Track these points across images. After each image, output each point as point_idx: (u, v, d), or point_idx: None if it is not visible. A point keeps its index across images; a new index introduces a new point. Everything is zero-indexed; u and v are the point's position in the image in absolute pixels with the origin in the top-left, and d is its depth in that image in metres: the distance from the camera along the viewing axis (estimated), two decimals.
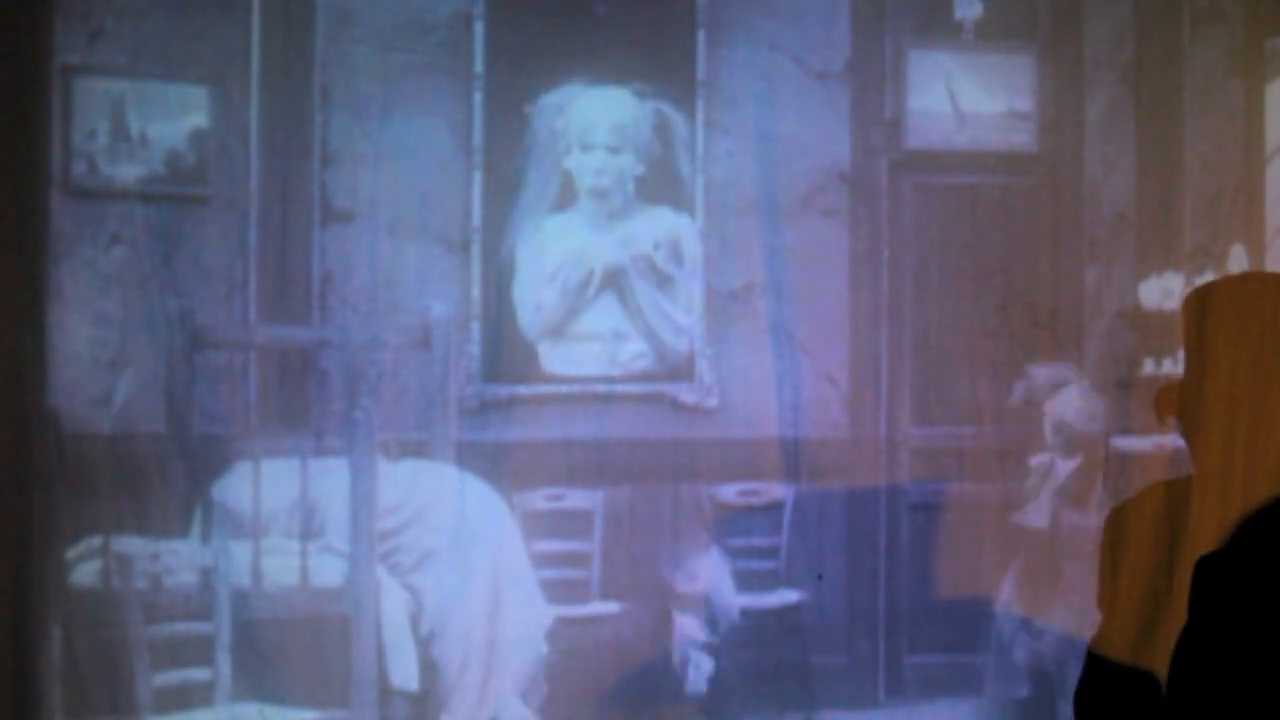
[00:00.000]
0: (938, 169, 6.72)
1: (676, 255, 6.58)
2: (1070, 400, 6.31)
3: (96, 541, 5.57)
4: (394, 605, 5.82)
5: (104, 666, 5.47)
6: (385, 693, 5.75)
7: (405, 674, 5.77)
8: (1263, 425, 2.32)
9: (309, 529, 5.84)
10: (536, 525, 6.25)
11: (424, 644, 5.87)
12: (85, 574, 5.56)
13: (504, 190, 6.46)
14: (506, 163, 6.47)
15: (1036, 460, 6.30)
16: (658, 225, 6.57)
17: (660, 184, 6.56)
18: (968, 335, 6.53)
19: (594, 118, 6.49)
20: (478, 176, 6.44)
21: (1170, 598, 2.30)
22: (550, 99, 6.46)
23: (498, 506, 6.12)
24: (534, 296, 6.47)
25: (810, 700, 6.28)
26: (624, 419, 6.45)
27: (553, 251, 6.48)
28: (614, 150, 6.49)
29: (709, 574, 6.26)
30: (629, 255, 6.53)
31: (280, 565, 5.76)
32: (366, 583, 5.68)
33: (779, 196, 6.57)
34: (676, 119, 6.56)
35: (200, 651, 5.58)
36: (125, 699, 5.45)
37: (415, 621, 5.87)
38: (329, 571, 5.78)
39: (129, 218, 5.97)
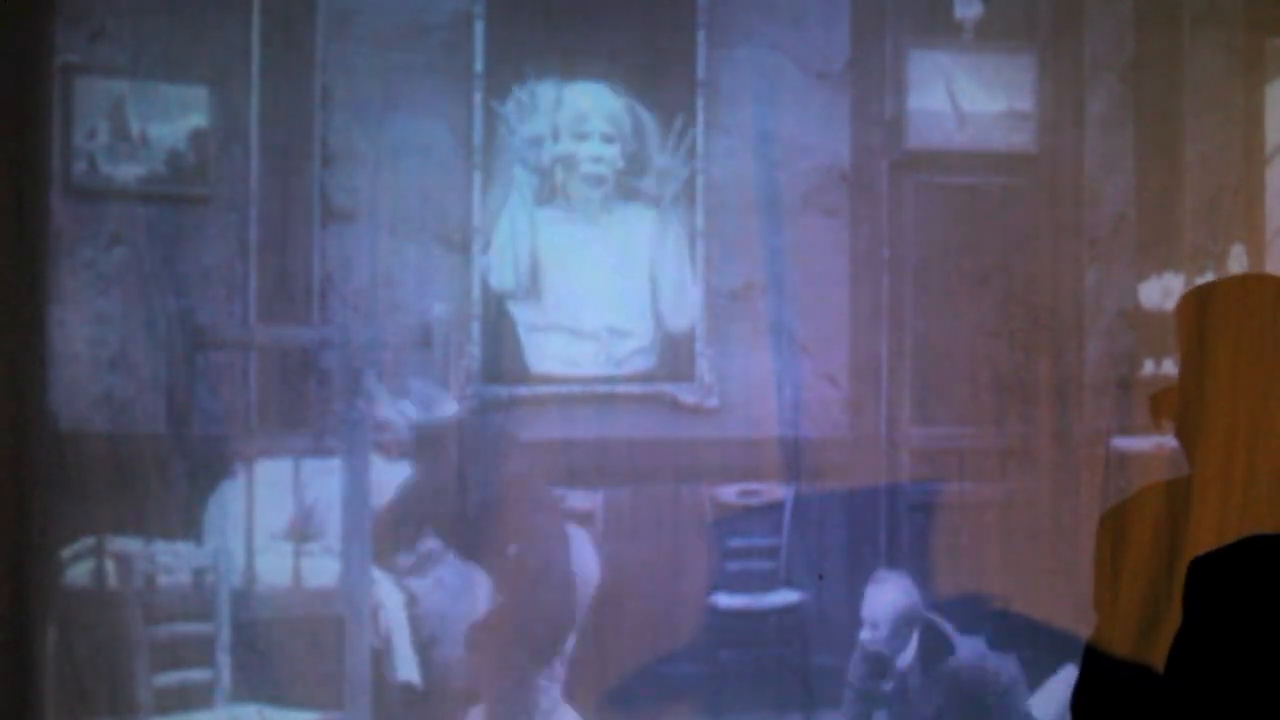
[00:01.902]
0: (938, 169, 6.71)
1: (662, 251, 6.58)
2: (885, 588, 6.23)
3: (91, 541, 5.57)
4: (393, 603, 5.82)
5: (103, 667, 5.47)
6: (384, 691, 5.75)
7: (408, 668, 5.77)
8: (1263, 426, 2.32)
9: (307, 530, 5.84)
10: None
11: (425, 646, 5.87)
12: (81, 574, 5.56)
13: (496, 188, 6.47)
14: (496, 160, 6.48)
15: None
16: (641, 220, 6.58)
17: (638, 181, 6.58)
18: (968, 335, 6.53)
19: (585, 107, 6.50)
20: (478, 176, 6.45)
21: (1170, 598, 2.30)
22: (524, 93, 6.47)
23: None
24: (529, 293, 6.48)
25: (810, 700, 6.28)
26: (624, 419, 6.45)
27: (544, 246, 6.49)
28: (608, 139, 6.50)
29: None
30: (619, 250, 6.54)
31: (277, 566, 5.77)
32: (360, 583, 5.68)
33: (779, 196, 6.57)
34: (646, 117, 6.57)
35: (199, 652, 5.58)
36: (125, 700, 5.45)
37: (416, 623, 5.87)
38: (327, 572, 5.78)
39: (129, 217, 5.97)
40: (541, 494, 6.11)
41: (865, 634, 6.09)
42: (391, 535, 5.90)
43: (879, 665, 6.03)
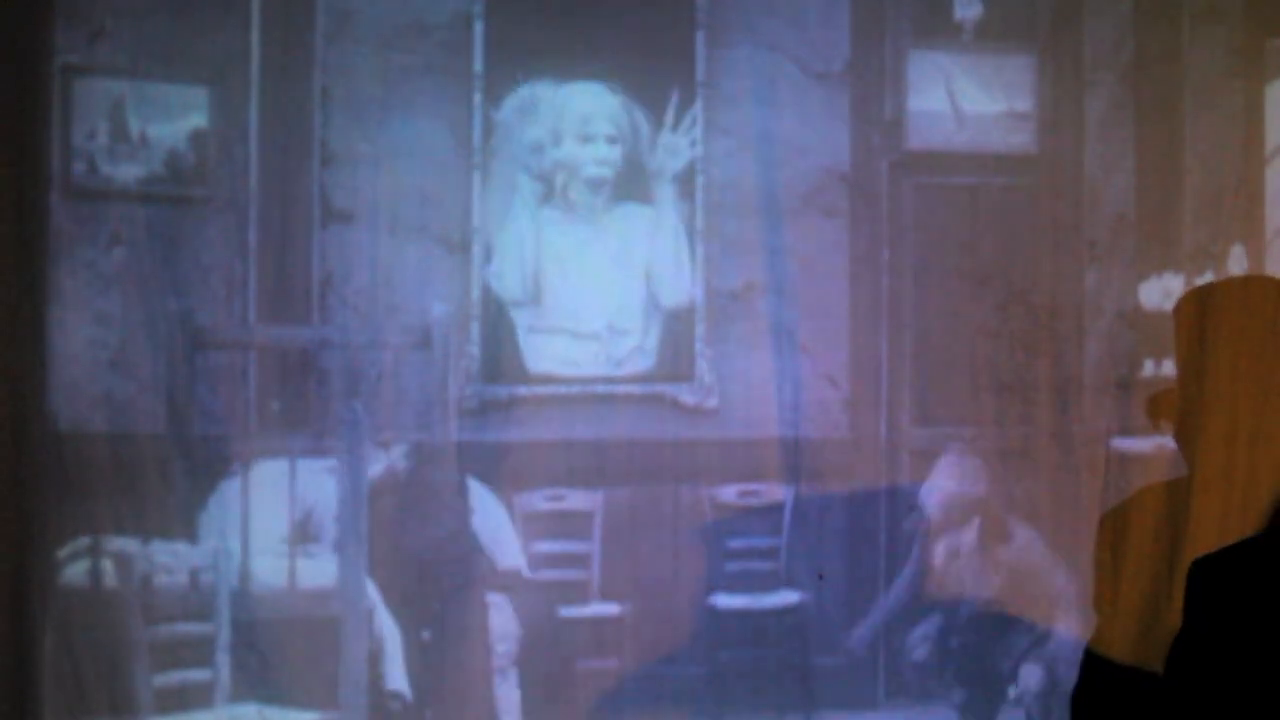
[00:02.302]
0: (938, 169, 6.71)
1: (659, 251, 6.58)
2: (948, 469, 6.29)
3: (87, 541, 5.56)
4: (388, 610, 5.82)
5: (102, 667, 5.46)
6: (378, 695, 5.74)
7: (398, 677, 5.77)
8: (1263, 428, 2.32)
9: (305, 531, 5.84)
10: (536, 526, 6.25)
11: (421, 648, 5.87)
12: (77, 574, 5.56)
13: (497, 193, 6.47)
14: (496, 164, 6.48)
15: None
16: (639, 217, 6.58)
17: (632, 181, 6.58)
18: (968, 335, 6.53)
19: (587, 109, 6.50)
20: (477, 176, 6.45)
21: (1170, 599, 2.30)
22: (523, 94, 6.47)
23: (495, 509, 6.11)
24: (528, 293, 6.48)
25: (810, 701, 6.28)
26: (624, 419, 6.45)
27: (546, 250, 6.49)
28: (612, 140, 6.51)
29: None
30: (617, 247, 6.54)
31: (274, 567, 5.76)
32: (356, 584, 5.68)
33: (779, 197, 6.57)
34: (640, 117, 6.57)
35: (198, 652, 5.58)
36: (124, 700, 5.44)
37: (410, 625, 5.87)
38: (323, 573, 5.78)
39: (129, 218, 5.97)
40: (466, 560, 6.07)
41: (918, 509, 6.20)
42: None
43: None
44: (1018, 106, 6.71)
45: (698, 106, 6.59)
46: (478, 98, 6.46)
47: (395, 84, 6.32)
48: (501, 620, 6.04)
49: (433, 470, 6.08)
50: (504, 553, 6.09)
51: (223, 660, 5.57)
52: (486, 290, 6.45)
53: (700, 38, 6.60)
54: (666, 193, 6.57)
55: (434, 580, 5.97)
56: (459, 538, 6.02)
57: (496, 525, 6.12)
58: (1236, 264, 6.49)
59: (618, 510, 6.39)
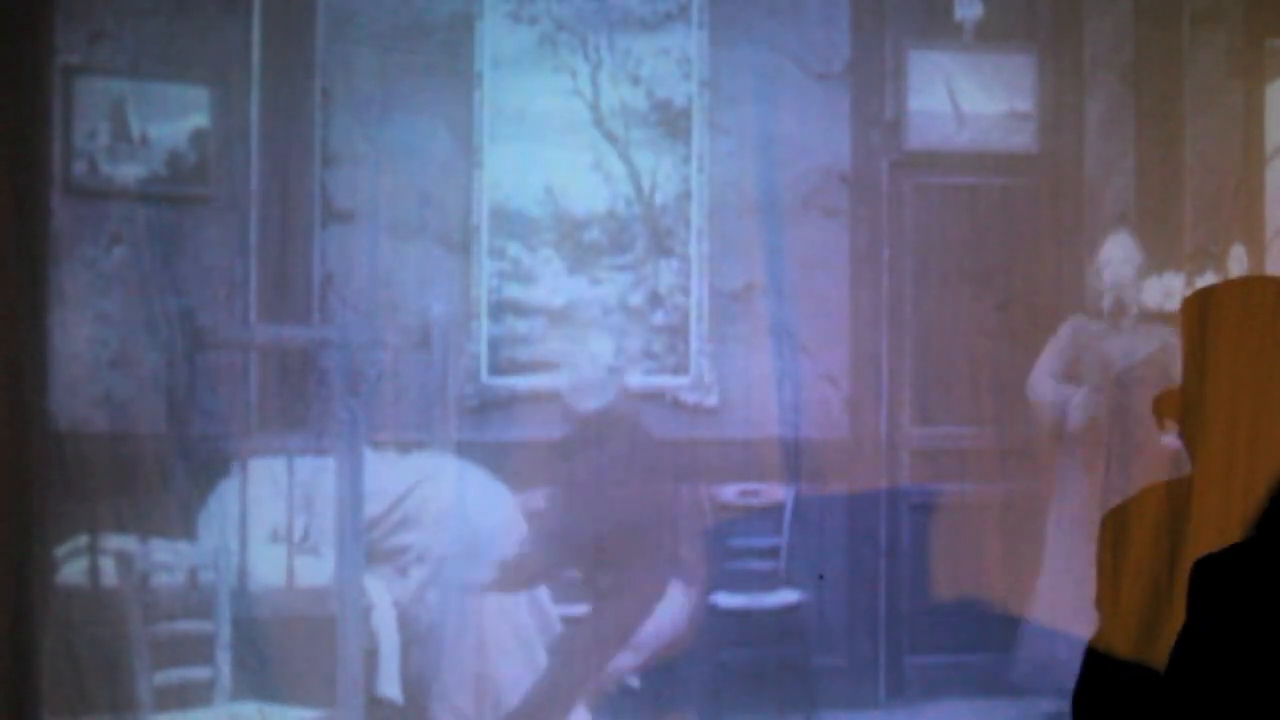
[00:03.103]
0: (938, 169, 6.72)
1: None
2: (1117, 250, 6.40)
3: (85, 539, 5.57)
4: (385, 608, 5.81)
5: (102, 665, 5.47)
6: (372, 696, 5.74)
7: (390, 683, 5.77)
8: (1264, 428, 2.32)
9: (305, 529, 5.84)
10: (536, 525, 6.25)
11: (421, 644, 5.87)
12: (76, 572, 5.56)
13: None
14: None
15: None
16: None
17: None
18: (968, 335, 6.53)
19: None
20: (477, 176, 6.45)
21: (1171, 598, 2.30)
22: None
23: (504, 506, 6.11)
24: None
25: (811, 701, 6.28)
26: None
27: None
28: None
29: None
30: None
31: (273, 565, 5.77)
32: (354, 582, 5.68)
33: (779, 197, 6.57)
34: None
35: (197, 651, 5.58)
36: (124, 698, 5.45)
37: (409, 624, 5.86)
38: (321, 572, 5.78)
39: (129, 218, 5.97)
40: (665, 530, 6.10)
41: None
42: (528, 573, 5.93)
43: None
44: (1018, 106, 6.72)
45: (698, 106, 6.60)
46: (478, 97, 6.46)
47: (395, 84, 6.32)
48: (670, 612, 6.06)
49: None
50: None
51: (223, 658, 5.57)
52: (485, 287, 6.45)
53: (701, 37, 6.61)
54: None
55: (624, 544, 6.00)
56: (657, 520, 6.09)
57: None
58: (1237, 263, 6.50)
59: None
